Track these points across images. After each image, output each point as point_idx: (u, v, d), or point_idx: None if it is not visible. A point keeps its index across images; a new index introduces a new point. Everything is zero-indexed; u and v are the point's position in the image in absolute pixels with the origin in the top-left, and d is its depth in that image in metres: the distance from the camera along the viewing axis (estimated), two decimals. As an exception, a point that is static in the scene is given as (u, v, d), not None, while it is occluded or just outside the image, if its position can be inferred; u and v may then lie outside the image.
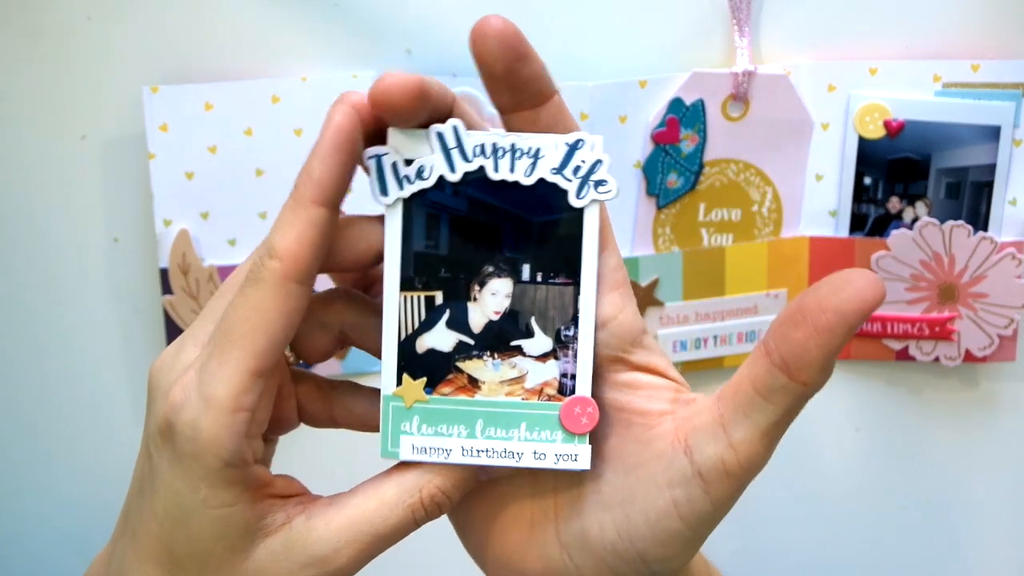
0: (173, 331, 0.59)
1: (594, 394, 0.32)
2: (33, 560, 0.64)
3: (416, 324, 0.32)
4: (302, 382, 0.34)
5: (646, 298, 0.60)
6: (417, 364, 0.32)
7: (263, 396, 0.30)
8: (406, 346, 0.32)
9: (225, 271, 0.58)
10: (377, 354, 0.32)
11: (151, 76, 0.57)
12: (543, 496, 0.33)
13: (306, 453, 0.64)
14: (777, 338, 0.29)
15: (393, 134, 0.31)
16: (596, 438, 0.32)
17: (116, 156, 0.59)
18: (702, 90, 0.58)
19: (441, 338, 0.32)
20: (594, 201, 0.31)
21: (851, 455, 0.64)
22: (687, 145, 0.58)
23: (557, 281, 0.32)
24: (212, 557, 0.30)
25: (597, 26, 0.58)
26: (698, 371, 0.62)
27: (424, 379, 0.32)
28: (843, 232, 0.60)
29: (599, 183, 0.31)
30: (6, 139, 0.59)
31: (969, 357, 0.61)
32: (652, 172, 0.59)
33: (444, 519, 0.34)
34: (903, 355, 0.61)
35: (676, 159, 0.59)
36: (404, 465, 0.32)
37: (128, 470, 0.32)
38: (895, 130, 0.58)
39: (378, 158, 0.31)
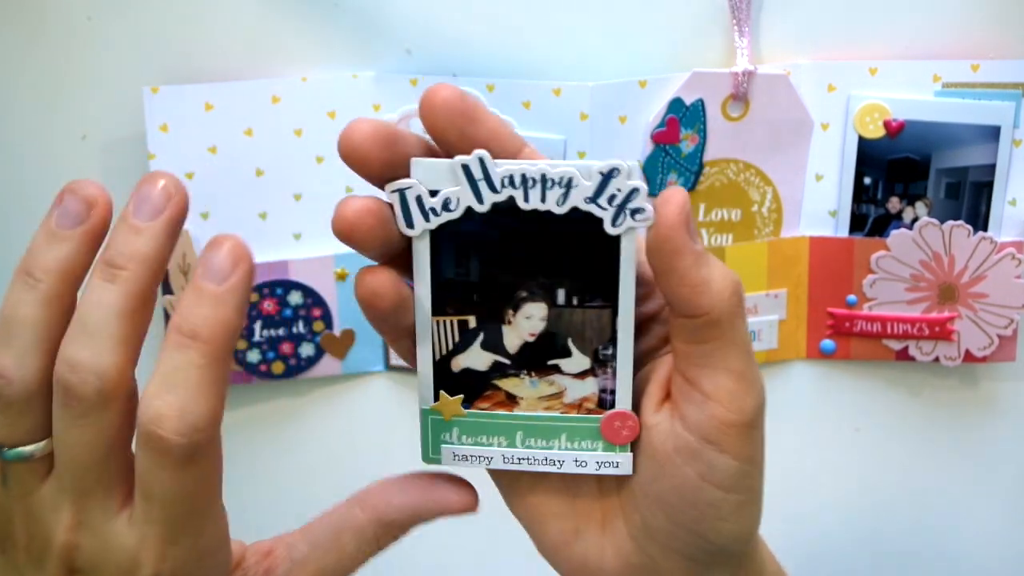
0: (173, 331, 0.59)
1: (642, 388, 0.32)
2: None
3: (450, 346, 0.32)
4: None
5: (646, 298, 0.60)
6: (453, 382, 0.32)
7: None
8: (442, 365, 0.32)
9: (225, 271, 0.58)
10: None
11: (151, 76, 0.57)
12: (608, 495, 0.34)
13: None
14: (663, 296, 0.31)
15: (416, 164, 0.30)
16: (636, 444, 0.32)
17: (116, 156, 0.59)
18: (702, 90, 0.58)
19: (476, 358, 0.32)
20: (630, 229, 0.30)
21: (851, 455, 0.64)
22: (687, 145, 0.58)
23: (594, 304, 0.31)
24: None
25: (597, 26, 0.58)
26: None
27: (461, 396, 0.32)
28: (843, 232, 0.60)
29: (635, 211, 0.30)
30: (6, 139, 0.59)
31: (969, 357, 0.61)
32: (652, 172, 0.59)
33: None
34: (903, 355, 0.61)
35: (676, 159, 0.59)
36: (359, 500, 0.34)
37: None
38: (895, 130, 0.58)
39: (401, 192, 0.30)
